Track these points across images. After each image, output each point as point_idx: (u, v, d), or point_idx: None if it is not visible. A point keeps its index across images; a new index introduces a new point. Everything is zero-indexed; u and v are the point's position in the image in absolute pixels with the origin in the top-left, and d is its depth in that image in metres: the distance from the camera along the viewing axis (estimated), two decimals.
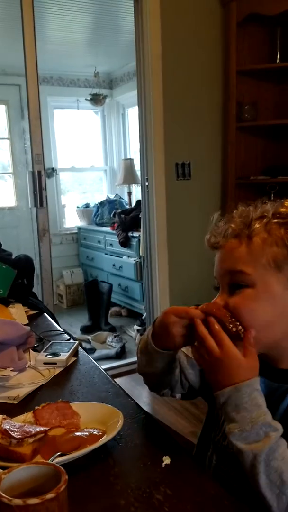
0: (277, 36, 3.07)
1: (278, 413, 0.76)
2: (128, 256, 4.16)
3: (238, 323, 0.76)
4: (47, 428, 0.80)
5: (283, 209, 0.78)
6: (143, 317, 3.78)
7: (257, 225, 0.76)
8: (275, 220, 0.76)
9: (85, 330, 4.06)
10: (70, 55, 4.51)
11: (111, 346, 3.61)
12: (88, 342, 3.69)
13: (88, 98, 4.92)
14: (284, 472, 0.67)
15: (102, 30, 3.97)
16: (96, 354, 3.43)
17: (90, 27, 3.92)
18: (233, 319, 0.76)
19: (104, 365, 3.02)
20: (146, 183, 3.10)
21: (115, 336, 3.69)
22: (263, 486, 0.67)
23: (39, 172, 2.76)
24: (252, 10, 2.91)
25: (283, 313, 0.76)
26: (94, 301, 4.20)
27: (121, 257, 4.27)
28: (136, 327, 3.87)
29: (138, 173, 4.37)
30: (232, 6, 2.95)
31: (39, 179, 2.77)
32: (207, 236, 0.83)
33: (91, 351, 3.47)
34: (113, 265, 4.39)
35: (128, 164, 4.84)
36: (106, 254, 4.59)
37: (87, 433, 0.80)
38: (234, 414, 0.71)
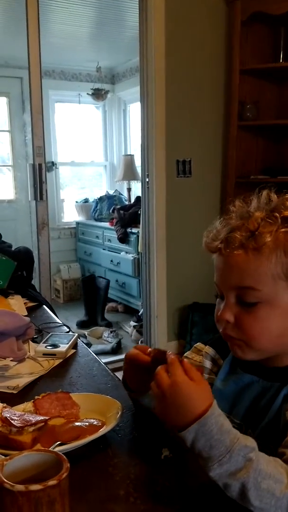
0: (281, 36, 3.07)
1: (271, 411, 0.75)
2: (126, 252, 4.16)
3: None
4: (47, 418, 0.80)
5: None
6: (139, 314, 3.78)
7: (265, 236, 0.70)
8: (283, 230, 0.70)
9: (81, 325, 4.06)
10: (73, 49, 4.49)
11: (107, 341, 3.62)
12: (84, 337, 3.69)
13: (90, 93, 4.91)
14: (276, 489, 0.62)
15: (105, 25, 3.96)
16: (92, 349, 3.43)
17: (94, 22, 3.91)
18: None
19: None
20: (147, 179, 3.11)
21: (111, 332, 3.70)
22: (259, 510, 0.63)
23: (40, 165, 2.76)
24: (257, 9, 2.91)
25: None
26: (91, 297, 4.20)
27: (119, 253, 4.27)
28: (132, 323, 3.87)
29: (138, 169, 4.37)
30: (236, 4, 2.95)
31: (39, 172, 2.76)
32: (205, 239, 0.78)
33: (87, 346, 3.47)
34: (111, 261, 4.39)
35: (128, 160, 4.84)
36: (104, 249, 4.59)
37: (86, 423, 0.80)
38: (207, 450, 0.64)
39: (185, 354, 0.95)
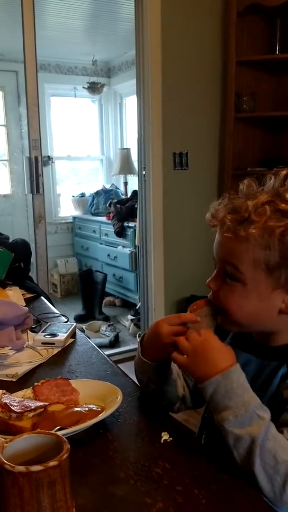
0: (277, 27, 3.06)
1: (270, 390, 0.78)
2: (123, 246, 4.16)
3: None
4: (46, 403, 0.80)
5: (284, 205, 0.74)
6: (137, 307, 3.79)
7: (254, 226, 0.73)
8: (271, 223, 0.73)
9: (79, 319, 4.06)
10: (68, 42, 4.47)
11: (105, 335, 3.62)
12: (82, 331, 3.69)
13: (86, 87, 4.89)
14: (278, 452, 0.67)
15: (101, 18, 3.94)
16: None
17: (89, 14, 3.88)
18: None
19: None
20: (143, 173, 3.10)
21: (109, 325, 3.70)
22: (258, 469, 0.67)
23: (36, 158, 2.75)
24: (253, 1, 2.90)
25: (267, 307, 0.78)
26: (88, 291, 4.20)
27: (116, 247, 4.26)
28: (130, 316, 3.88)
29: (135, 163, 4.35)
30: None
31: (35, 165, 2.75)
32: (208, 214, 0.82)
33: None
34: (108, 255, 4.38)
35: (125, 153, 4.83)
36: (101, 244, 4.58)
37: (86, 409, 0.80)
38: (226, 401, 0.70)
39: None
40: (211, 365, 0.73)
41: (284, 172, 0.79)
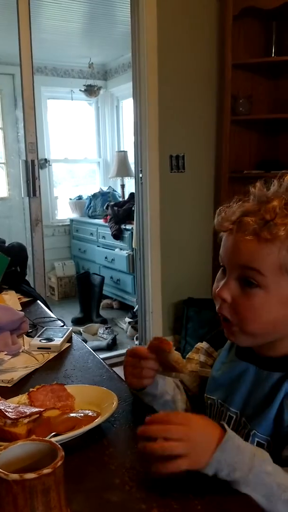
0: (273, 30, 3.07)
1: (273, 406, 0.74)
2: (121, 249, 4.16)
3: None
4: (42, 409, 0.80)
5: None
6: (134, 310, 3.78)
7: (279, 228, 0.70)
8: None
9: (76, 322, 4.06)
10: (65, 45, 4.47)
11: (103, 338, 3.61)
12: (80, 333, 3.69)
13: (82, 89, 4.89)
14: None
15: (97, 20, 3.94)
16: (88, 345, 3.42)
17: (85, 17, 3.89)
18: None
19: None
20: (140, 175, 3.10)
21: (106, 328, 3.69)
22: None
23: (33, 161, 2.75)
24: (248, 4, 2.91)
25: (286, 315, 0.74)
26: (86, 294, 4.20)
27: (114, 250, 4.26)
28: (127, 319, 3.87)
29: (132, 165, 4.36)
30: None
31: (32, 168, 2.75)
32: (217, 217, 0.77)
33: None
34: (105, 257, 4.38)
35: (122, 156, 4.83)
36: (98, 246, 4.58)
37: (81, 414, 0.80)
38: (232, 474, 0.64)
39: (187, 356, 0.97)
40: (205, 445, 0.65)
41: None
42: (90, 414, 0.80)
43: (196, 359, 0.95)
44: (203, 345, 0.95)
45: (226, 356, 0.86)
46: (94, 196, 4.96)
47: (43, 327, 1.29)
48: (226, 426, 0.67)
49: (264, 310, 0.73)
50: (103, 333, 3.65)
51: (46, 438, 0.73)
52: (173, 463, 0.64)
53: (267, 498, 0.64)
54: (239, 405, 0.80)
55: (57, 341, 1.17)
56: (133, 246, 3.64)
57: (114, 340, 3.52)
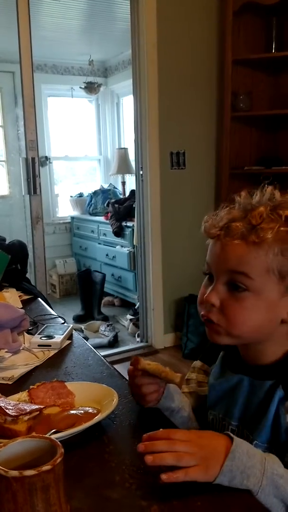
0: (273, 26, 3.07)
1: (269, 415, 0.75)
2: (122, 246, 4.16)
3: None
4: (42, 406, 0.80)
5: None
6: (136, 307, 3.79)
7: (266, 232, 0.72)
8: (284, 228, 0.72)
9: (78, 319, 4.06)
10: (65, 43, 4.46)
11: (104, 335, 3.62)
12: (81, 331, 3.69)
13: (83, 87, 4.88)
14: None
15: (97, 17, 3.93)
16: (89, 343, 3.41)
17: (85, 14, 3.88)
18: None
19: None
20: (141, 172, 3.10)
21: (108, 325, 3.70)
22: None
23: (33, 159, 2.75)
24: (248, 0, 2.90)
25: (272, 319, 0.76)
26: (87, 291, 4.20)
27: (115, 247, 4.26)
28: (129, 316, 3.88)
29: (132, 162, 4.35)
30: None
31: (32, 166, 2.75)
32: (205, 224, 0.79)
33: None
34: (106, 255, 4.38)
35: (122, 153, 4.82)
36: (99, 244, 4.58)
37: (82, 411, 0.80)
38: (245, 482, 0.64)
39: (186, 377, 0.97)
40: (216, 454, 0.65)
41: (270, 188, 0.78)
42: (90, 411, 0.80)
43: (195, 379, 0.96)
44: (197, 364, 0.97)
45: (219, 372, 0.87)
46: (95, 193, 4.96)
47: (44, 325, 1.29)
48: (231, 434, 0.67)
49: (253, 313, 0.74)
50: (104, 331, 3.66)
51: (46, 435, 0.74)
52: (186, 473, 0.63)
53: (283, 501, 0.65)
54: (239, 417, 0.81)
55: (58, 338, 1.17)
56: (134, 243, 3.64)
57: (115, 337, 3.52)
